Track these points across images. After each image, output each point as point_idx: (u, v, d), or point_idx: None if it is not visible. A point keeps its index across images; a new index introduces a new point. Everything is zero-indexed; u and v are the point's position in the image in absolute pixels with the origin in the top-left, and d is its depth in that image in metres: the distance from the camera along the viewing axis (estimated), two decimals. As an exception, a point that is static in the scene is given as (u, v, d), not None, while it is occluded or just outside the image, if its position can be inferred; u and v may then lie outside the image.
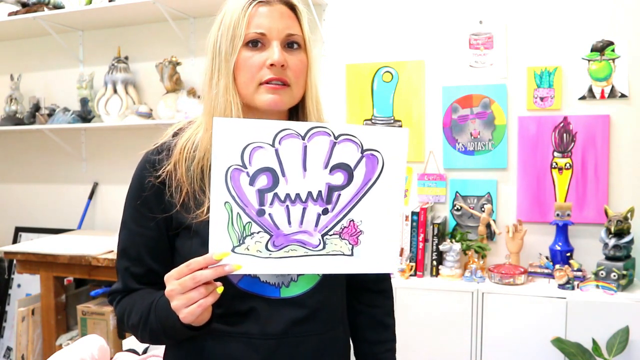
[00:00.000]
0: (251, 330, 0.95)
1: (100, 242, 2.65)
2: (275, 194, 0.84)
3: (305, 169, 0.85)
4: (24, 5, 2.87)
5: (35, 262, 2.60)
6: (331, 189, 0.86)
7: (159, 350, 1.87)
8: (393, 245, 0.90)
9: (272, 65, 0.93)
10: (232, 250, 0.84)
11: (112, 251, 2.50)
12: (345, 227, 0.88)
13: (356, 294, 1.14)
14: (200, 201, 0.94)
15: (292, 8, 0.98)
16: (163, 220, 0.97)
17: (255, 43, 0.94)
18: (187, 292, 0.83)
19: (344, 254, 0.88)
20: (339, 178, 0.86)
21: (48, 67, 3.17)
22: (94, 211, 3.11)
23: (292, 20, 0.97)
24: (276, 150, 0.84)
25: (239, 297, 0.94)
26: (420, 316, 2.16)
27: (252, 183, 0.84)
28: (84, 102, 2.90)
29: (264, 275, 0.95)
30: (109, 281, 2.64)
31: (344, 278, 1.08)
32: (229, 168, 0.83)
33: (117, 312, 1.01)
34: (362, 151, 0.86)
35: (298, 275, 0.97)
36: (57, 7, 2.82)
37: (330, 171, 0.86)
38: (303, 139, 0.84)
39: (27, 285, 3.17)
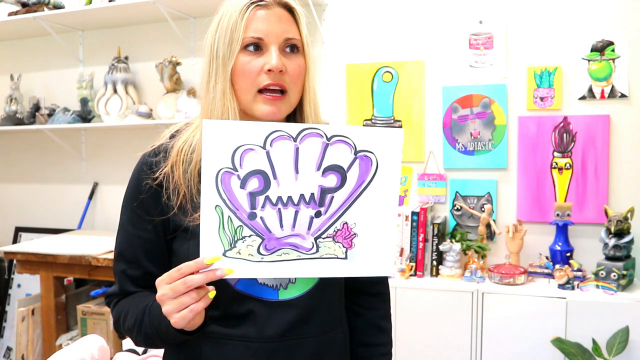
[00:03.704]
0: (249, 333, 0.94)
1: (100, 242, 2.65)
2: (267, 197, 0.83)
3: (297, 171, 0.83)
4: (24, 5, 2.86)
5: (35, 262, 2.60)
6: (324, 191, 0.85)
7: (158, 350, 1.87)
8: (388, 248, 0.88)
9: (270, 70, 0.92)
10: (224, 254, 0.83)
11: (112, 251, 2.49)
12: (338, 229, 0.86)
13: (352, 296, 1.13)
14: (197, 204, 0.92)
15: (291, 11, 0.96)
16: (160, 223, 0.96)
17: (253, 47, 0.93)
18: (179, 297, 0.82)
19: (337, 257, 0.87)
20: (331, 180, 0.85)
21: (48, 67, 3.17)
22: (94, 211, 3.11)
23: (291, 23, 0.96)
24: (267, 153, 0.82)
25: (236, 299, 0.94)
26: (420, 316, 2.16)
27: (243, 186, 0.83)
28: (84, 102, 2.90)
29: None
30: (109, 281, 2.64)
31: (342, 279, 1.07)
32: (219, 171, 0.82)
33: (114, 315, 1.01)
34: (356, 152, 0.85)
35: None
36: (57, 7, 2.82)
37: (323, 173, 0.84)
38: (295, 140, 0.83)
39: (27, 285, 3.17)
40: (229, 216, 0.83)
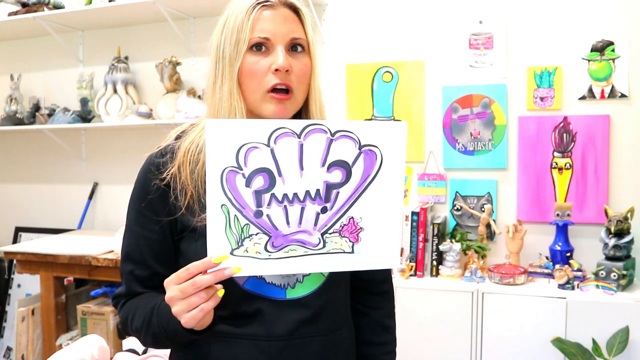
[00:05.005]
0: (257, 332, 0.95)
1: (100, 242, 2.65)
2: (273, 195, 0.83)
3: (302, 167, 0.83)
4: (24, 5, 2.86)
5: (35, 262, 2.60)
6: (329, 187, 0.85)
7: (159, 350, 1.87)
8: (394, 241, 0.89)
9: (277, 70, 0.93)
10: (231, 253, 0.83)
11: (112, 251, 2.50)
12: (344, 224, 0.87)
13: (357, 295, 1.13)
14: (205, 204, 0.92)
15: (296, 11, 0.97)
16: (167, 223, 0.97)
17: (259, 47, 0.94)
18: (188, 298, 0.82)
19: (344, 252, 0.87)
20: (337, 175, 0.85)
21: (48, 67, 3.17)
22: (94, 211, 3.11)
23: (296, 23, 0.97)
24: (272, 150, 0.82)
25: (244, 298, 0.94)
26: (420, 316, 2.16)
27: (248, 184, 0.82)
28: (84, 102, 2.90)
29: (269, 276, 0.94)
30: (109, 281, 2.64)
31: (348, 278, 1.08)
32: (224, 170, 0.81)
33: (121, 316, 1.01)
34: (360, 147, 0.85)
35: (303, 276, 0.96)
36: (57, 7, 2.82)
37: (328, 169, 0.84)
38: (299, 137, 0.83)
39: (27, 285, 3.17)
40: (235, 215, 0.83)
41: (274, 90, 0.93)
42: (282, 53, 0.93)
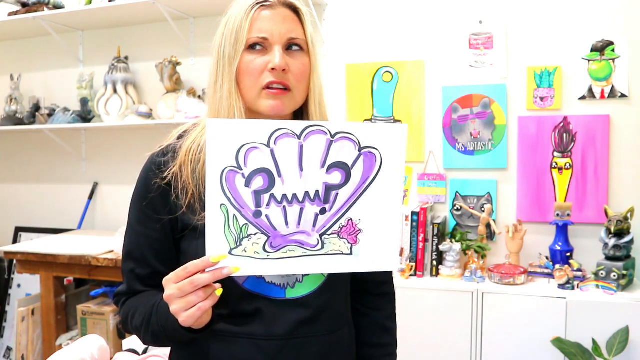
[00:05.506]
0: (257, 331, 0.95)
1: (100, 242, 2.65)
2: (272, 195, 0.83)
3: (301, 168, 0.84)
4: (24, 5, 2.86)
5: (35, 262, 2.60)
6: (328, 188, 0.85)
7: (159, 350, 1.87)
8: (393, 243, 0.89)
9: (273, 69, 0.93)
10: (230, 253, 0.83)
11: (112, 251, 2.50)
12: (343, 226, 0.87)
13: (357, 296, 1.14)
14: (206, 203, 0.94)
15: (295, 11, 0.98)
16: (168, 222, 0.97)
17: (257, 46, 0.95)
18: (186, 296, 0.82)
19: (343, 253, 0.88)
20: (336, 177, 0.85)
21: (48, 67, 3.17)
22: (94, 211, 3.11)
23: (295, 23, 0.97)
24: (272, 151, 0.82)
25: (244, 297, 0.95)
26: (420, 316, 2.16)
27: (248, 184, 0.83)
28: (84, 102, 2.90)
29: (269, 276, 0.94)
30: (109, 281, 2.64)
31: (348, 278, 1.08)
32: (224, 170, 0.82)
33: (122, 314, 1.01)
34: (360, 149, 0.85)
35: (303, 276, 0.96)
36: (57, 7, 2.82)
37: (328, 170, 0.85)
38: (299, 138, 0.83)
39: (27, 285, 3.17)
40: (234, 215, 0.83)
41: (269, 87, 0.94)
42: (279, 52, 0.94)
